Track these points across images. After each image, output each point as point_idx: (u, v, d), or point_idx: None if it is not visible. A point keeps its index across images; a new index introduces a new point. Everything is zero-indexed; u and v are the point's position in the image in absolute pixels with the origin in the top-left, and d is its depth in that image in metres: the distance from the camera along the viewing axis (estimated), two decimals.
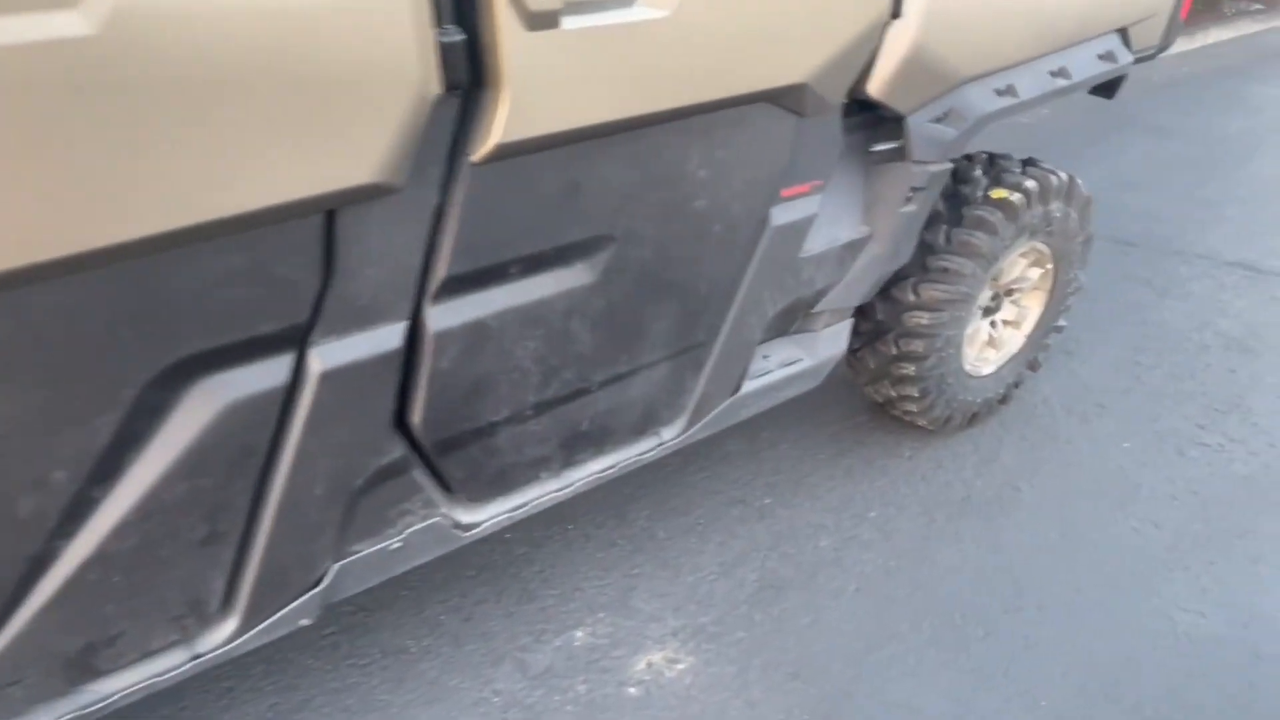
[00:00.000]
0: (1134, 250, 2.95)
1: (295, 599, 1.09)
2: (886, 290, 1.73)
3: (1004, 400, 2.08)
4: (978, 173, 1.76)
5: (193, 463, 0.90)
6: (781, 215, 1.33)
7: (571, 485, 1.32)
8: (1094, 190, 1.92)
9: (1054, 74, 1.57)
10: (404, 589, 1.60)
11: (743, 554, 1.69)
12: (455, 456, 1.16)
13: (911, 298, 1.70)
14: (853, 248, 1.48)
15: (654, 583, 1.62)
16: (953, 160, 1.53)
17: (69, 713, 0.95)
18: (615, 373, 1.25)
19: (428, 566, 1.56)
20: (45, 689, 0.92)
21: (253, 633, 1.07)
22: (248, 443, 0.95)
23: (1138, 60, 1.85)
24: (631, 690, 1.42)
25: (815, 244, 1.42)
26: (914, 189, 1.46)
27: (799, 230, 1.37)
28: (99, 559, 0.88)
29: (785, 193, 1.33)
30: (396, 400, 1.06)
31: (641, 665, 1.46)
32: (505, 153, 0.96)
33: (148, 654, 0.99)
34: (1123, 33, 1.70)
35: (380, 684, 1.43)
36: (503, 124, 0.93)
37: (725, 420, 1.48)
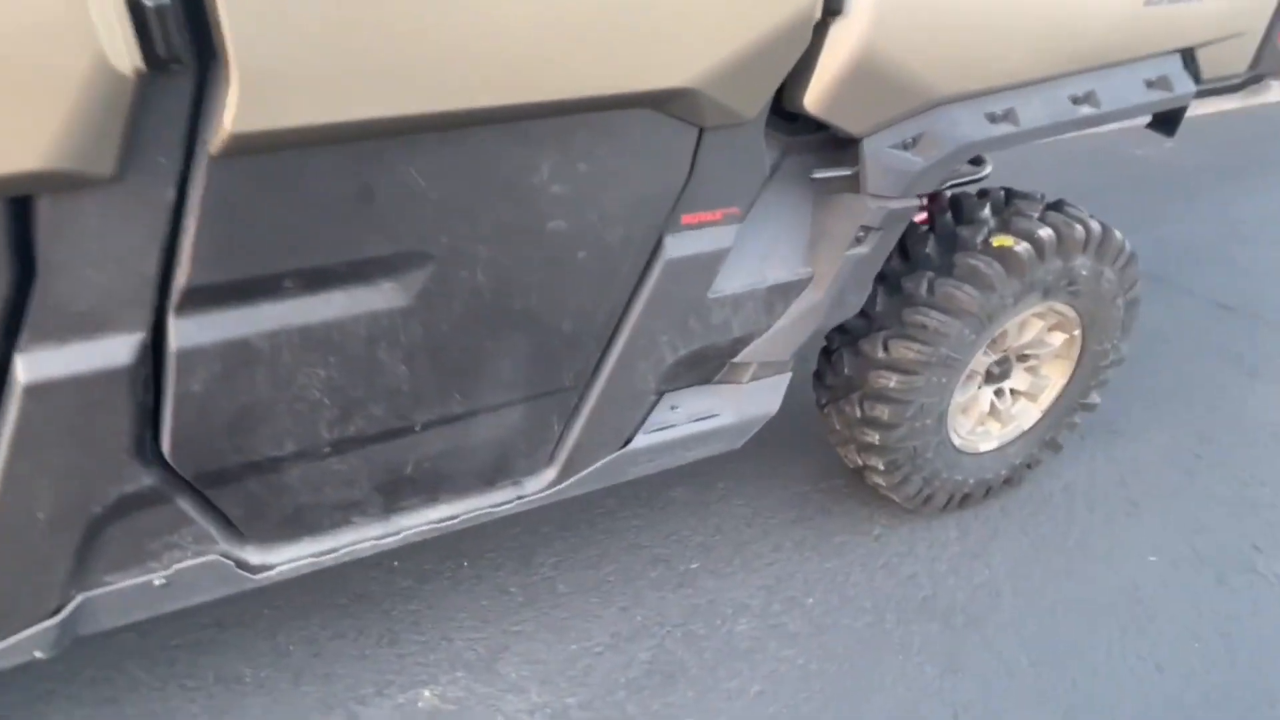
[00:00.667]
0: (1230, 316, 2.50)
1: (24, 628, 0.97)
2: (855, 342, 1.46)
3: (1010, 482, 1.76)
4: (985, 212, 1.46)
5: None
6: (680, 246, 1.10)
7: (401, 533, 1.14)
8: (1200, 240, 1.56)
9: (1076, 100, 1.25)
10: (268, 607, 1.47)
11: (643, 626, 1.46)
12: (231, 491, 1.00)
13: (880, 354, 1.42)
14: (785, 290, 1.23)
15: (531, 645, 1.42)
16: (924, 196, 1.25)
17: None
18: (446, 413, 1.07)
19: (298, 586, 1.44)
20: None
21: None
22: None
23: (1215, 91, 1.49)
24: None
25: (731, 283, 1.17)
26: (865, 228, 1.19)
27: (706, 265, 1.13)
28: None
29: (686, 219, 1.09)
30: (147, 424, 0.92)
31: None
32: (251, 146, 0.79)
33: None
34: (1187, 54, 1.35)
35: (200, 713, 1.31)
36: (233, 112, 0.75)
37: (611, 477, 1.27)
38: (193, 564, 1.03)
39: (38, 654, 0.99)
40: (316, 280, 0.91)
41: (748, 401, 1.32)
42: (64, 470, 0.89)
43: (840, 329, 1.45)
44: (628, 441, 1.27)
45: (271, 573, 1.09)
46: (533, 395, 1.13)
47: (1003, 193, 1.51)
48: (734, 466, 1.76)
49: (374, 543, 1.14)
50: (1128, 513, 1.76)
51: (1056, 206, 1.49)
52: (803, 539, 1.66)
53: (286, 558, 1.10)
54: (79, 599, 0.99)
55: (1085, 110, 1.26)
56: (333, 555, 1.12)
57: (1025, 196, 1.50)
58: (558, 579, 1.55)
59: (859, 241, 1.21)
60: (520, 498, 1.23)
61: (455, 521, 1.19)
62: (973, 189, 1.53)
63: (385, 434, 1.04)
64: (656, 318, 1.13)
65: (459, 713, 1.31)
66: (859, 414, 1.48)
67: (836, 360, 1.51)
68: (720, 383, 1.33)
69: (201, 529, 1.02)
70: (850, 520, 1.71)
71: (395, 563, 1.55)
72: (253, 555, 1.08)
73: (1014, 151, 1.40)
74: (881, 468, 1.54)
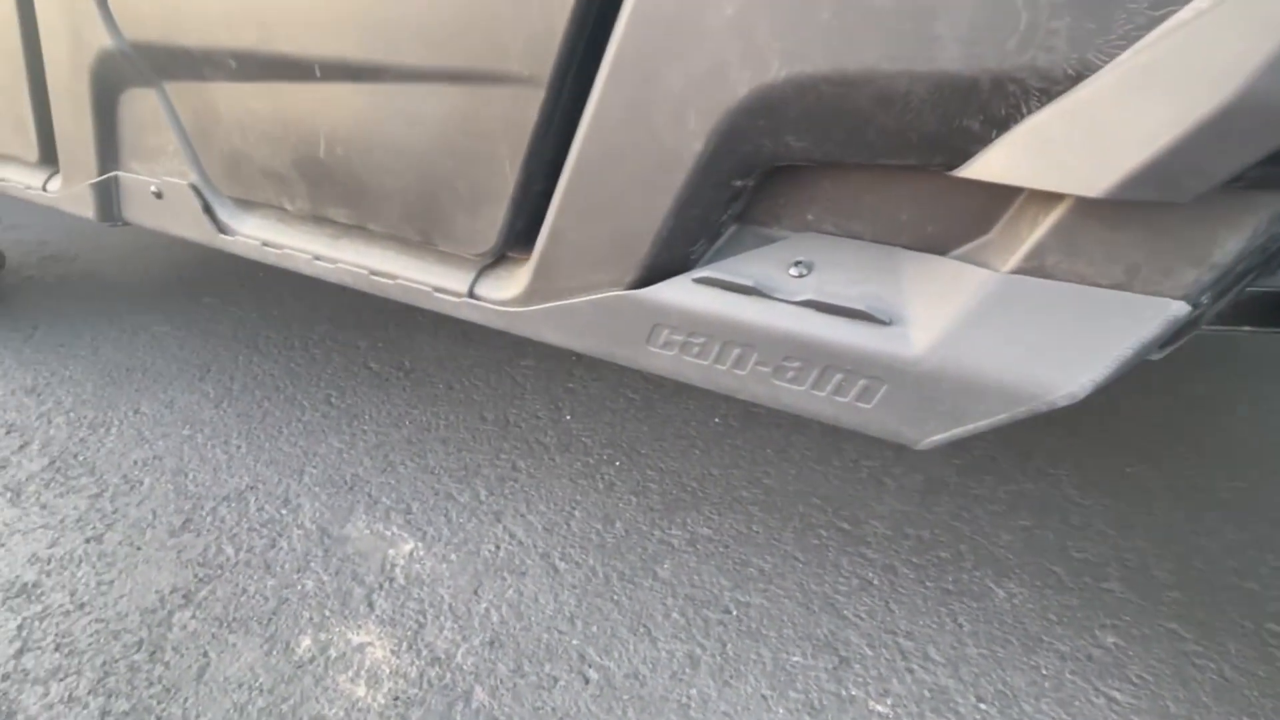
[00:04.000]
0: None
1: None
2: None
3: None
4: None
5: None
6: None
7: (336, 263, 1.11)
8: None
9: None
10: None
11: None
12: (184, 92, 1.12)
13: None
14: None
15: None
16: None
17: None
18: (342, 57, 0.95)
19: None
20: None
21: None
22: None
23: None
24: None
25: None
26: None
27: None
28: None
29: None
30: None
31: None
32: None
33: None
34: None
35: None
36: None
37: (617, 342, 0.82)
38: (174, 182, 1.16)
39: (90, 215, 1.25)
40: None
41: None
42: None
43: None
44: (660, 272, 0.80)
45: (230, 239, 1.17)
46: (454, 73, 0.83)
47: None
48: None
49: (311, 259, 1.09)
50: None
51: None
52: None
53: (244, 230, 1.16)
54: (114, 173, 1.19)
55: None
56: (277, 252, 1.13)
57: None
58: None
59: None
60: (471, 298, 0.97)
61: (392, 284, 1.03)
62: None
63: (283, 65, 0.96)
64: None
65: None
66: None
67: None
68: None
69: (175, 143, 1.13)
70: None
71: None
72: (220, 209, 1.17)
73: None
74: None
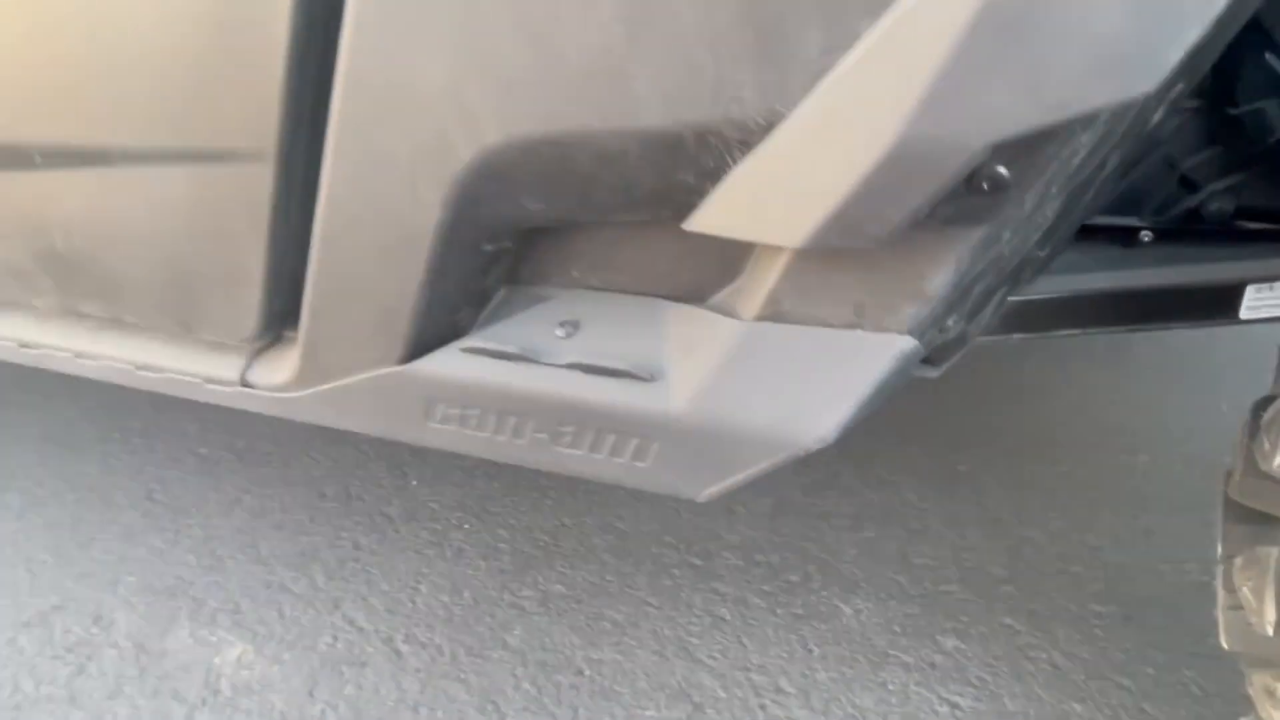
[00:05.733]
0: None
1: None
2: None
3: None
4: None
5: None
6: None
7: (94, 358, 1.00)
8: None
9: None
10: None
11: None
12: None
13: None
14: None
15: None
16: None
17: None
18: (66, 141, 0.86)
19: None
20: None
21: None
22: None
23: None
24: None
25: None
26: None
27: None
28: None
29: None
30: None
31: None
32: None
33: None
34: None
35: None
36: None
37: (389, 419, 0.89)
38: None
39: None
40: None
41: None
42: None
43: None
44: (428, 344, 0.76)
45: None
46: (181, 152, 0.78)
47: None
48: None
49: (73, 356, 0.99)
50: None
51: None
52: None
53: None
54: None
55: None
56: (35, 352, 1.02)
57: None
58: None
59: None
60: (244, 386, 0.90)
61: (160, 378, 0.95)
62: None
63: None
64: None
65: None
66: None
67: None
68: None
69: None
70: None
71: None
72: None
73: None
74: None
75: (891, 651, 1.19)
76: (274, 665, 1.23)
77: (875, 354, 0.60)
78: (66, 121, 0.81)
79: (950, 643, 1.21)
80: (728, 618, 1.27)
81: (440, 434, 0.81)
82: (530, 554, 1.43)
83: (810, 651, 1.20)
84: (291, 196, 0.76)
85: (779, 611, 1.28)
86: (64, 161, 0.85)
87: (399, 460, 1.74)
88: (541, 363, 0.73)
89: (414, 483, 1.66)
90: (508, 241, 0.74)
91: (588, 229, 0.74)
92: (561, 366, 0.72)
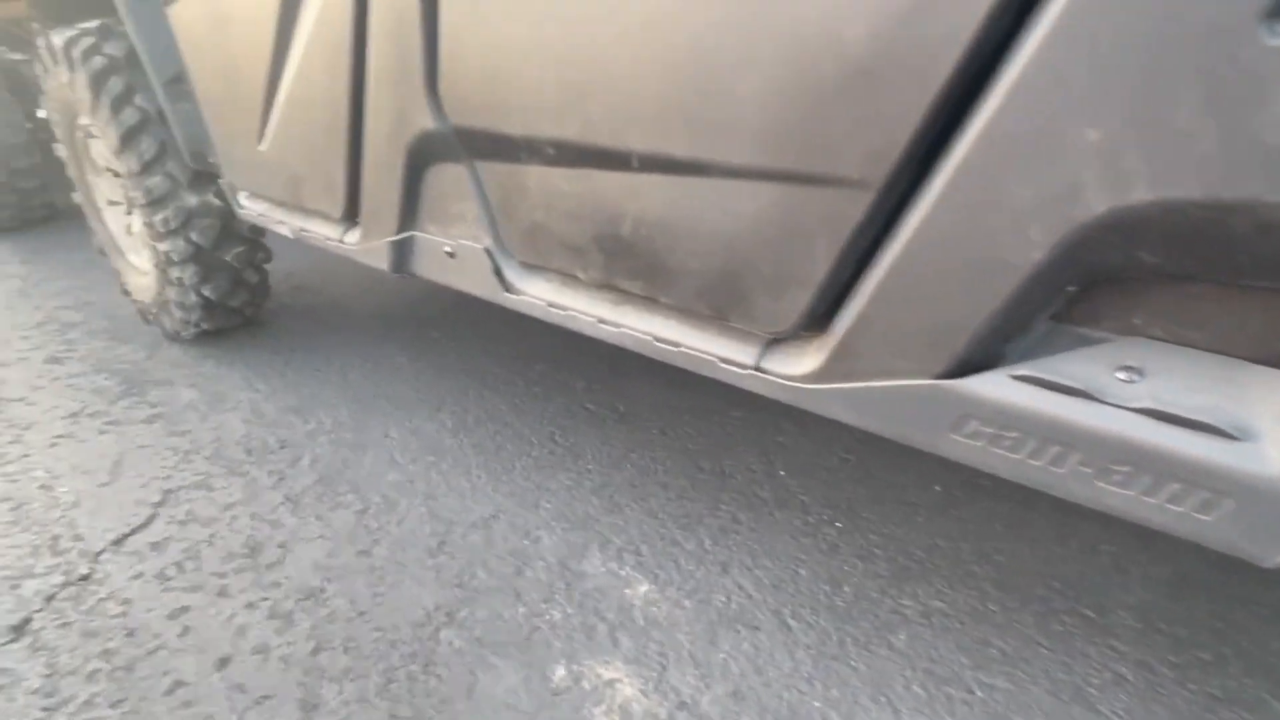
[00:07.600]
0: None
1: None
2: None
3: None
4: None
5: None
6: None
7: (620, 327, 1.20)
8: None
9: None
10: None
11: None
12: (498, 171, 1.26)
13: None
14: None
15: None
16: None
17: None
18: (665, 152, 1.04)
19: None
20: None
21: None
22: None
23: None
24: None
25: None
26: None
27: None
28: None
29: None
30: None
31: None
32: None
33: None
34: None
35: None
36: None
37: (910, 425, 0.93)
38: (468, 244, 1.31)
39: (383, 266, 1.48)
40: None
41: None
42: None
43: None
44: (967, 364, 0.83)
45: (516, 298, 1.29)
46: (782, 173, 0.89)
47: None
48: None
49: (595, 321, 1.19)
50: None
51: None
52: None
53: (531, 291, 1.28)
54: (412, 233, 1.40)
55: None
56: (561, 312, 1.24)
57: None
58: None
59: None
60: (757, 371, 1.02)
61: (675, 351, 1.11)
62: None
63: (600, 155, 1.06)
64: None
65: None
66: None
67: None
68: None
69: (476, 212, 1.29)
70: None
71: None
72: (508, 271, 1.30)
73: None
74: None
75: None
76: (677, 609, 1.40)
77: None
78: (677, 138, 0.98)
79: None
80: (1130, 678, 1.23)
81: (963, 447, 0.88)
82: (906, 565, 1.48)
83: None
84: (874, 219, 0.87)
85: (1190, 687, 1.21)
86: (659, 168, 1.02)
87: (765, 448, 1.86)
88: (1105, 402, 0.77)
89: (781, 472, 1.77)
90: (1084, 284, 0.78)
91: (1169, 281, 0.76)
92: (1131, 409, 0.76)
